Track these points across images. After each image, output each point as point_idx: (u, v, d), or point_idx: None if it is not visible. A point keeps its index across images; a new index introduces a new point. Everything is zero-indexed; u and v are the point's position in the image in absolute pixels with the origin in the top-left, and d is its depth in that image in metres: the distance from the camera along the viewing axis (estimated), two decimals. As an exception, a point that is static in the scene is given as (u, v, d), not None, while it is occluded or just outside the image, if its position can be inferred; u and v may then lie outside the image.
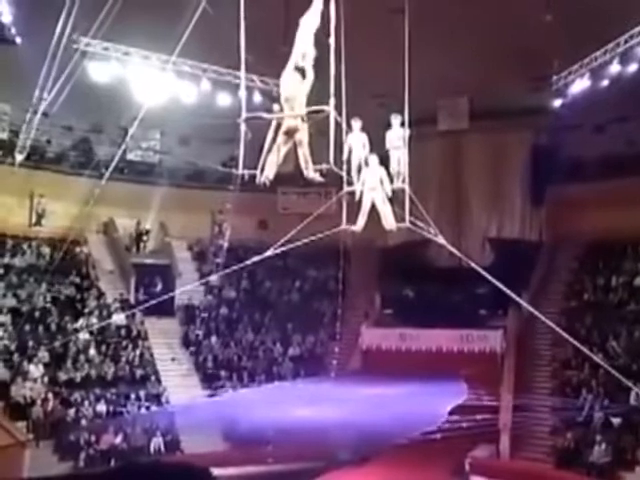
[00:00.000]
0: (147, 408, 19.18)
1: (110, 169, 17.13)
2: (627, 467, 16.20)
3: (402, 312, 23.13)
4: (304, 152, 6.29)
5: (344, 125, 7.27)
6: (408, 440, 17.68)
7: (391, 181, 9.04)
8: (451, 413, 18.10)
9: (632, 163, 21.75)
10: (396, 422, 15.64)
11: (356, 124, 9.07)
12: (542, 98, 19.40)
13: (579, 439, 17.43)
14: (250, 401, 19.17)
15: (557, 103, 19.04)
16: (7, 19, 15.72)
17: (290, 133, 6.29)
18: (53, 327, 19.74)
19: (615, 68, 16.65)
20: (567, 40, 15.99)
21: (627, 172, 21.37)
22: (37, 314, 19.70)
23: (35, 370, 18.12)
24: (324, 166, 6.86)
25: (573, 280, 22.55)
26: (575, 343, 9.49)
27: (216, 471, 15.53)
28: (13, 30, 16.13)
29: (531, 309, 9.92)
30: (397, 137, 9.37)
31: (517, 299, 9.43)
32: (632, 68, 16.45)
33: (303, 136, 6.24)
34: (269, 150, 6.56)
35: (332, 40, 6.56)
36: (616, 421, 17.16)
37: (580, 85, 17.75)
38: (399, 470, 17.10)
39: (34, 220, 21.94)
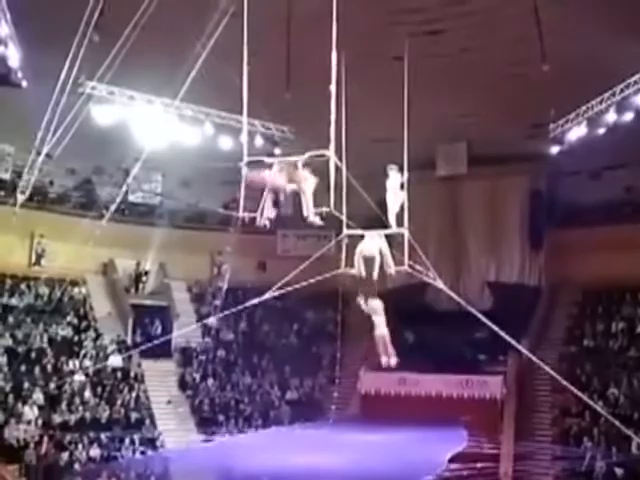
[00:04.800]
0: (142, 452, 18.88)
1: (111, 210, 17.23)
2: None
3: (401, 356, 22.81)
4: (306, 196, 6.36)
5: (344, 169, 7.36)
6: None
7: (390, 225, 9.10)
8: (451, 461, 17.79)
9: (629, 209, 21.99)
10: (395, 470, 15.34)
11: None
12: (540, 145, 19.65)
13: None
14: (246, 446, 18.86)
15: (554, 150, 19.27)
16: (14, 63, 15.99)
17: (291, 178, 6.38)
18: (49, 368, 19.57)
19: (611, 117, 16.90)
20: (564, 89, 16.30)
21: (624, 218, 21.58)
22: (33, 355, 19.56)
23: (29, 412, 17.89)
24: (324, 209, 6.92)
25: (573, 325, 22.48)
26: (575, 391, 9.39)
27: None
28: (20, 74, 16.40)
29: (530, 355, 9.84)
30: (395, 184, 9.47)
31: (516, 345, 9.38)
32: (628, 117, 16.70)
33: (304, 181, 6.33)
34: (269, 193, 6.64)
35: (333, 86, 6.69)
36: (619, 471, 16.87)
37: (577, 132, 18.00)
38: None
39: (34, 260, 21.96)
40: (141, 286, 24.08)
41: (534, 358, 10.03)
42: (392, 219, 9.17)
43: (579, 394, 10.06)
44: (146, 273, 24.16)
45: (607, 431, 17.47)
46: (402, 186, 9.52)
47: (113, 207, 16.92)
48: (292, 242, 25.12)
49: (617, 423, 11.04)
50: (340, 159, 7.06)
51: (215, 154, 18.98)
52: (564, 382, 9.21)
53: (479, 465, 18.07)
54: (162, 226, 23.35)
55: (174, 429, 20.45)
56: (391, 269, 8.88)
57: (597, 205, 22.47)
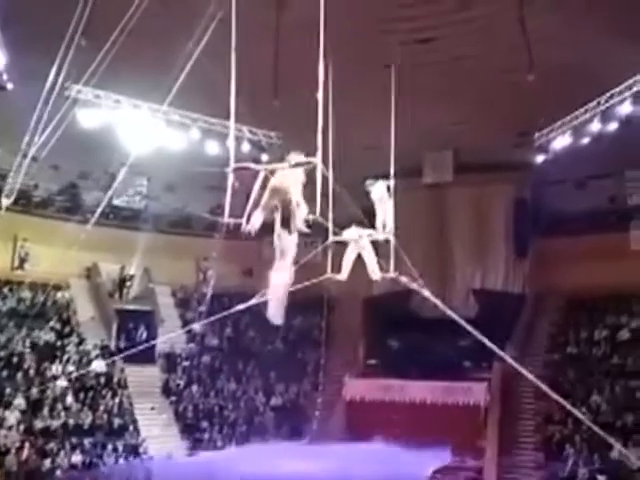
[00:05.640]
0: (125, 459, 18.71)
1: (96, 214, 17.11)
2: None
3: (386, 363, 22.99)
4: (292, 204, 6.35)
5: (330, 176, 7.37)
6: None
7: (376, 232, 9.14)
8: (435, 471, 17.83)
9: (613, 218, 22.24)
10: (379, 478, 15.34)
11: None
12: (525, 153, 19.83)
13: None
14: (230, 456, 18.74)
15: (540, 159, 19.45)
16: (0, 66, 15.90)
17: (278, 187, 6.35)
18: (31, 373, 19.38)
19: (596, 126, 17.11)
20: (549, 98, 16.45)
21: (609, 227, 21.82)
22: (15, 359, 19.36)
23: (11, 417, 17.69)
24: (310, 216, 6.92)
25: (556, 333, 22.63)
26: (558, 398, 9.43)
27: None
28: (5, 76, 16.31)
29: (514, 364, 9.88)
30: (380, 193, 9.51)
31: (500, 353, 9.41)
32: (612, 126, 16.89)
33: (291, 189, 6.32)
34: (256, 200, 6.61)
35: (320, 94, 6.70)
36: (601, 478, 16.98)
37: (562, 142, 18.19)
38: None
39: (17, 264, 21.77)
40: (125, 291, 23.92)
41: (518, 366, 10.06)
42: (380, 227, 9.20)
43: (562, 401, 10.09)
44: (130, 278, 24.02)
45: (589, 438, 17.58)
46: (388, 189, 9.55)
47: (98, 211, 16.79)
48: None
49: (599, 430, 11.09)
50: (327, 166, 7.07)
51: (201, 159, 18.93)
52: (547, 390, 9.24)
53: (461, 474, 18.15)
54: (147, 231, 23.22)
55: (158, 435, 20.29)
56: (377, 276, 8.90)
57: (582, 214, 22.69)
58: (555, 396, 9.36)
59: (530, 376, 10.08)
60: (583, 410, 17.82)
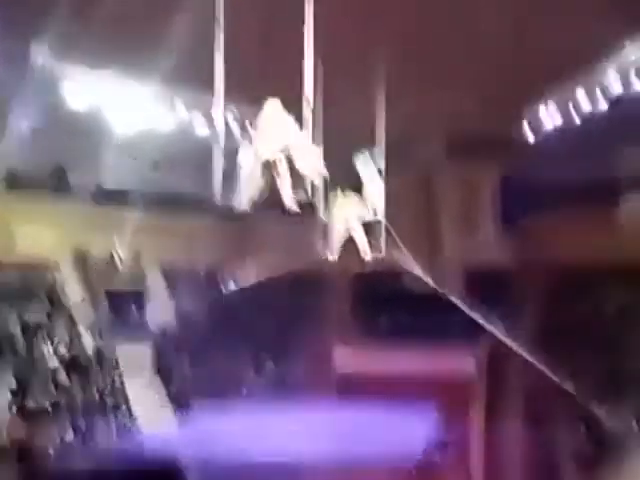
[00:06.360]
0: (117, 438, 18.83)
1: (84, 195, 17.04)
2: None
3: (375, 338, 23.18)
4: (283, 183, 6.37)
5: (321, 156, 7.37)
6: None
7: (367, 213, 9.19)
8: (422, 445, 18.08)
9: (603, 193, 22.38)
10: (368, 456, 15.54)
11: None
12: (514, 131, 19.86)
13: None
14: (223, 432, 18.88)
15: (529, 136, 19.49)
16: (-19, 45, 15.65)
17: (269, 164, 6.37)
18: (22, 354, 19.35)
19: (585, 103, 17.12)
20: (537, 77, 16.46)
21: (598, 201, 21.96)
22: (5, 340, 19.32)
23: (1, 397, 17.70)
24: (302, 196, 6.94)
25: (545, 307, 22.84)
26: (546, 372, 9.60)
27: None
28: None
29: (502, 338, 10.05)
30: (370, 173, 9.56)
31: (489, 328, 9.53)
32: (601, 103, 16.92)
33: (281, 167, 6.33)
34: (247, 179, 6.62)
35: (309, 70, 6.70)
36: (590, 451, 17.28)
37: (550, 119, 18.21)
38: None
39: (4, 245, 21.61)
40: (115, 272, 23.87)
41: (506, 340, 10.22)
42: (370, 208, 9.26)
43: (550, 375, 10.27)
44: (120, 259, 23.94)
45: (577, 412, 17.84)
46: (380, 171, 9.60)
47: (86, 192, 16.72)
48: (270, 227, 25.00)
49: (588, 404, 11.32)
50: (318, 145, 7.07)
51: (190, 138, 18.83)
52: (536, 364, 9.41)
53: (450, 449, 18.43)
54: (136, 211, 23.09)
55: (150, 414, 20.40)
56: (368, 255, 8.97)
57: (571, 189, 22.78)
58: (543, 370, 9.54)
59: (519, 350, 10.27)
60: (571, 385, 18.07)
